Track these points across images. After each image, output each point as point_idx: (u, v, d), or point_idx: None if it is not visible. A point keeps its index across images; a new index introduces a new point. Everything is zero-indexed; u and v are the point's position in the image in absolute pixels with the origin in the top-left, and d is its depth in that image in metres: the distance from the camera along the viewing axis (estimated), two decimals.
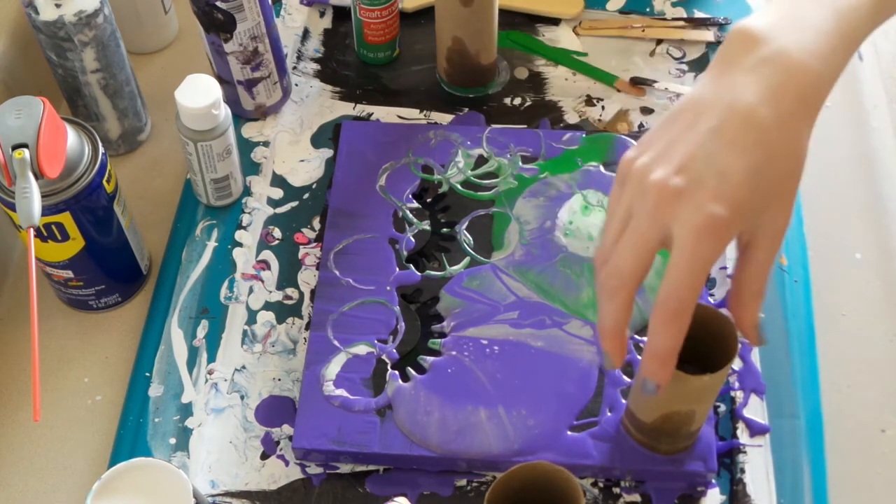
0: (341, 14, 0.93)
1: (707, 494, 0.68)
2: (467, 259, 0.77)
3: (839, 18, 0.52)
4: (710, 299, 0.75)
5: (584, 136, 0.82)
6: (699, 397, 0.62)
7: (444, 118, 0.86)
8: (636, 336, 0.72)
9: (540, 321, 0.73)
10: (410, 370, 0.71)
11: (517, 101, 0.87)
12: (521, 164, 0.81)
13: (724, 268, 0.76)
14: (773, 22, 0.52)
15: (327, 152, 0.84)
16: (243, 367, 0.73)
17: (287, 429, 0.71)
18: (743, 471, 0.68)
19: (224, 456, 0.70)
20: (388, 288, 0.75)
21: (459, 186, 0.80)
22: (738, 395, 0.71)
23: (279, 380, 0.73)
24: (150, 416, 0.71)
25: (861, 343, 0.75)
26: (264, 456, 0.70)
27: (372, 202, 0.79)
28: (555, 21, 0.92)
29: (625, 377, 0.71)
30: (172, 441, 0.70)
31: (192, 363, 0.73)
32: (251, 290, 0.77)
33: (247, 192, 0.81)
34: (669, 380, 0.54)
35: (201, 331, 0.75)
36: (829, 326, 0.75)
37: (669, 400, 0.61)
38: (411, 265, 0.76)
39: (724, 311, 0.58)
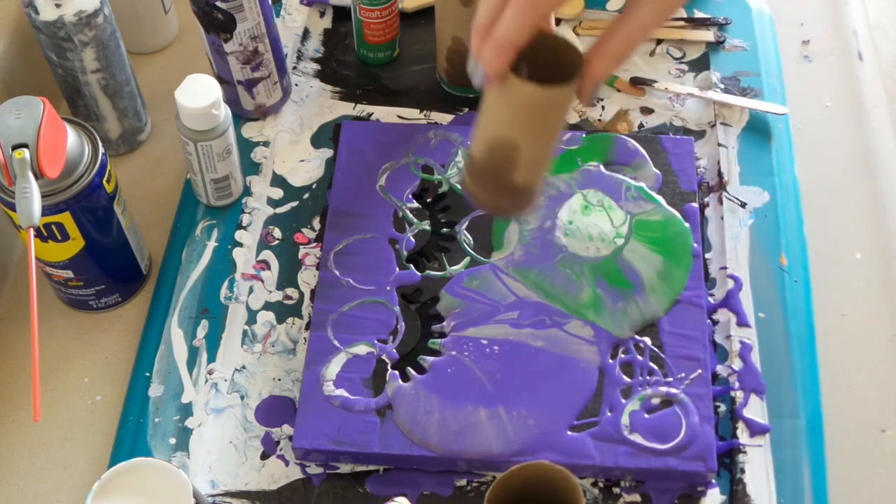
0: (341, 14, 0.93)
1: (707, 494, 0.68)
2: (467, 259, 0.77)
3: None
4: (711, 300, 0.75)
5: (584, 135, 0.82)
6: (525, 119, 0.55)
7: (444, 118, 0.86)
8: (636, 336, 0.72)
9: (540, 321, 0.73)
10: (410, 370, 0.71)
11: None
12: None
13: (725, 268, 0.76)
14: None
15: (327, 152, 0.84)
16: (243, 367, 0.73)
17: (287, 429, 0.71)
18: (743, 471, 0.68)
19: (224, 456, 0.70)
20: (388, 288, 0.75)
21: (459, 186, 0.80)
22: (738, 395, 0.71)
23: (279, 380, 0.73)
24: (150, 416, 0.71)
25: (861, 343, 0.75)
26: (264, 456, 0.70)
27: (372, 202, 0.79)
28: (555, 21, 0.92)
29: (625, 377, 0.71)
30: (172, 441, 0.70)
31: (192, 363, 0.73)
32: (251, 290, 0.77)
33: (247, 192, 0.81)
34: (500, 72, 0.52)
35: (201, 331, 0.75)
36: (829, 326, 0.75)
37: (497, 114, 0.55)
38: (411, 265, 0.76)
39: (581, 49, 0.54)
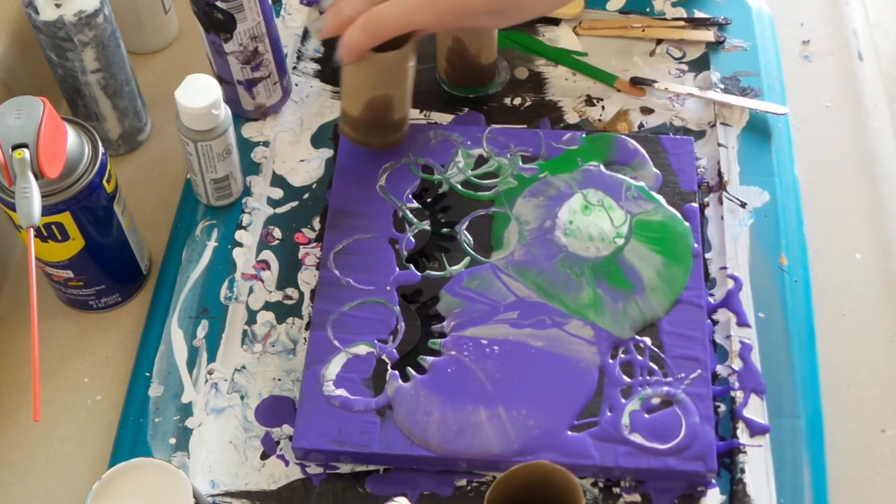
0: None
1: (707, 494, 0.68)
2: (467, 259, 0.77)
3: None
4: (711, 300, 0.75)
5: (584, 136, 0.82)
6: (390, 78, 0.74)
7: (444, 118, 0.86)
8: (636, 336, 0.72)
9: (540, 321, 0.73)
10: (410, 370, 0.71)
11: (517, 101, 0.87)
12: (521, 163, 0.81)
13: (725, 268, 0.76)
14: None
15: (327, 152, 0.84)
16: (243, 367, 0.73)
17: (287, 429, 0.71)
18: (743, 471, 0.68)
19: (224, 456, 0.70)
20: (388, 288, 0.75)
21: (459, 186, 0.80)
22: (738, 395, 0.71)
23: (279, 380, 0.73)
24: (150, 416, 0.71)
25: (861, 343, 0.75)
26: (264, 456, 0.70)
27: (372, 202, 0.79)
28: (555, 21, 0.92)
29: (625, 377, 0.71)
30: (172, 441, 0.70)
31: (192, 363, 0.73)
32: (251, 290, 0.77)
33: (247, 192, 0.81)
34: (354, 60, 0.72)
35: (201, 331, 0.75)
36: (829, 326, 0.75)
37: (366, 81, 0.74)
38: (411, 265, 0.76)
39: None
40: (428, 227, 0.78)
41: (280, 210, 0.81)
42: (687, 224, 0.77)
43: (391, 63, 0.73)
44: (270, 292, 0.77)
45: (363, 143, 0.80)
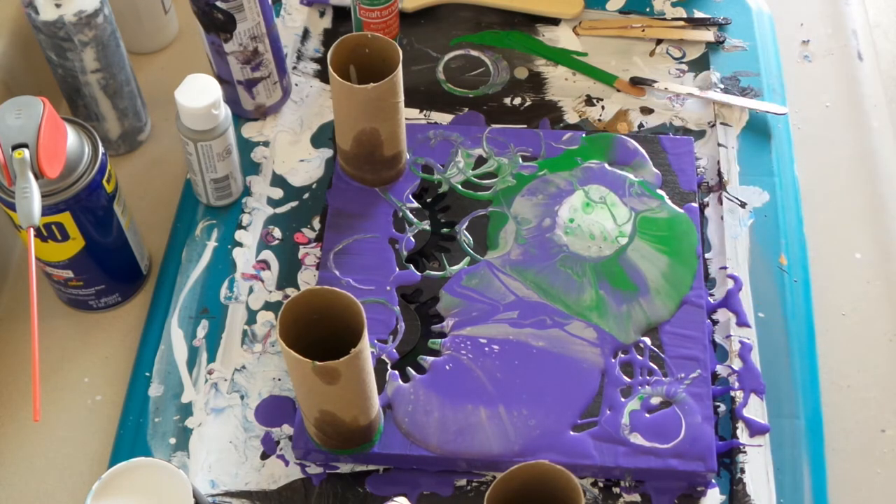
0: (341, 14, 0.93)
1: (707, 494, 0.68)
2: (467, 259, 0.77)
3: None
4: (711, 300, 0.75)
5: (583, 136, 0.82)
6: (375, 112, 0.73)
7: (444, 118, 0.86)
8: (639, 337, 0.72)
9: (540, 321, 0.73)
10: (410, 370, 0.71)
11: (517, 101, 0.87)
12: (521, 162, 0.81)
13: (724, 268, 0.76)
14: None
15: (327, 152, 0.84)
16: (243, 367, 0.73)
17: (287, 429, 0.71)
18: (743, 471, 0.68)
19: (224, 456, 0.70)
20: (388, 288, 0.75)
21: (459, 186, 0.80)
22: (738, 395, 0.71)
23: (279, 380, 0.73)
24: (150, 416, 0.71)
25: (861, 343, 0.75)
26: (264, 456, 0.70)
27: (372, 202, 0.79)
28: (555, 21, 0.92)
29: (624, 377, 0.71)
30: (172, 441, 0.70)
31: (192, 363, 0.73)
32: (251, 290, 0.77)
33: (247, 192, 0.81)
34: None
35: (201, 331, 0.75)
36: (829, 326, 0.75)
37: (352, 114, 0.74)
38: (411, 265, 0.76)
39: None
40: (428, 227, 0.78)
41: (280, 210, 0.81)
42: (691, 221, 0.77)
43: (372, 96, 0.72)
44: (270, 292, 0.77)
45: (358, 179, 0.79)
